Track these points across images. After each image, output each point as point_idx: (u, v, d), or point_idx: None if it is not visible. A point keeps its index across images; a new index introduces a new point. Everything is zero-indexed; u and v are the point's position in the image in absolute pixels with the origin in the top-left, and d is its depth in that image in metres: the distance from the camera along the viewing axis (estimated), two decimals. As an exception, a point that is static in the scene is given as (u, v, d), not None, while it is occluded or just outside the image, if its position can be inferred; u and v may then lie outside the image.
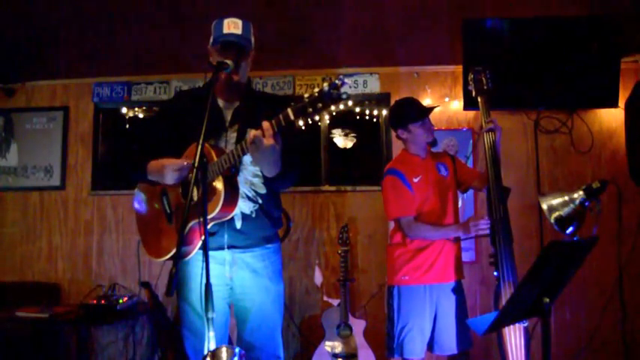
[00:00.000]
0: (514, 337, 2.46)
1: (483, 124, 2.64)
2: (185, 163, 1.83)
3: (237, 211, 1.93)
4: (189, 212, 1.72)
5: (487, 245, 3.64)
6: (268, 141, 1.68)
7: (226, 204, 1.82)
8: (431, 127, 2.69)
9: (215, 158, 1.82)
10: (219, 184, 1.82)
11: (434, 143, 2.74)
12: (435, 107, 2.77)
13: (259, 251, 2.04)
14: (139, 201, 2.12)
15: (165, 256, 1.94)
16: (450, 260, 2.63)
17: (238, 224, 1.98)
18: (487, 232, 2.48)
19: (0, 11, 3.95)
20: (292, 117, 1.62)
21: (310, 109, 1.58)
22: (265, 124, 1.69)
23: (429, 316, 2.59)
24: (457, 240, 2.66)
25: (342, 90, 1.55)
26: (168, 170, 1.85)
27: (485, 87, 2.70)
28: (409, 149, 2.72)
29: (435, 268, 2.60)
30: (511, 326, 2.44)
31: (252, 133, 1.71)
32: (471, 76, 2.74)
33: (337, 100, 1.56)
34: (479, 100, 2.70)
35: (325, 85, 1.56)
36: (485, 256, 3.71)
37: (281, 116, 1.65)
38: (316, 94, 1.57)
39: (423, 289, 2.59)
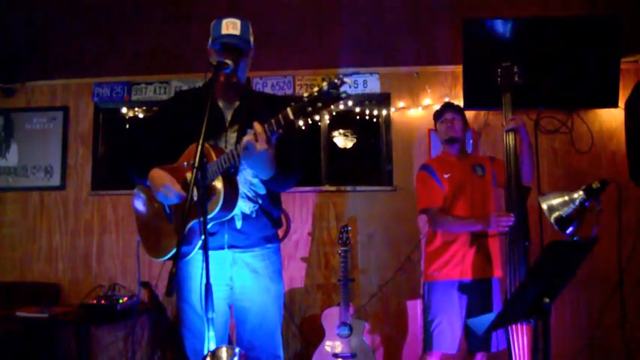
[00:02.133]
0: (520, 336, 2.46)
1: (504, 122, 2.64)
2: (184, 195, 1.81)
3: (237, 211, 1.93)
4: (189, 212, 1.72)
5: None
6: (261, 145, 1.69)
7: (226, 204, 1.82)
8: (451, 124, 2.78)
9: (215, 158, 1.82)
10: (218, 184, 1.82)
11: (450, 141, 2.80)
12: (455, 105, 2.87)
13: (259, 251, 2.05)
14: (138, 201, 2.12)
15: (165, 256, 1.94)
16: (480, 257, 2.65)
17: (239, 224, 1.98)
18: (507, 229, 2.48)
19: (0, 11, 3.95)
20: (292, 116, 1.61)
21: (310, 109, 1.58)
22: (258, 128, 1.69)
23: (458, 311, 2.63)
24: (487, 236, 2.68)
25: (342, 89, 1.55)
26: (166, 191, 1.84)
27: (514, 80, 2.68)
28: (443, 148, 2.90)
29: (462, 264, 2.65)
30: (518, 326, 2.45)
31: (244, 138, 1.72)
32: (499, 72, 2.73)
33: (337, 99, 1.55)
34: (504, 96, 2.68)
35: (324, 85, 1.55)
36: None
37: (280, 116, 1.64)
38: (316, 94, 1.57)
39: (451, 285, 2.65)
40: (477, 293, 2.64)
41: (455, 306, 2.63)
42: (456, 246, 2.66)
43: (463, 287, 2.65)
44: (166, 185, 1.84)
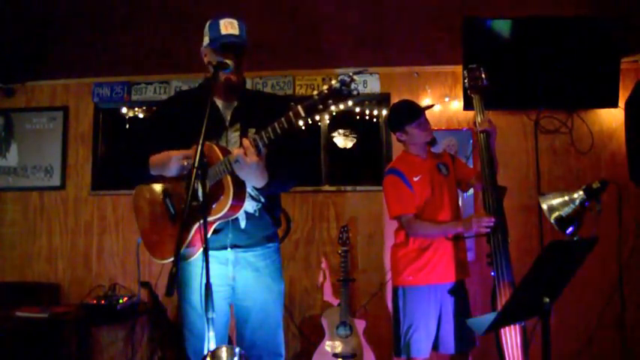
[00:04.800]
0: (511, 336, 2.45)
1: (477, 123, 2.62)
2: (191, 152, 1.81)
3: (241, 211, 1.93)
4: (194, 213, 1.72)
5: (486, 245, 3.66)
6: (251, 159, 1.71)
7: (235, 203, 1.83)
8: (428, 126, 2.68)
9: (221, 157, 1.82)
10: (227, 183, 1.82)
11: (433, 142, 2.74)
12: (430, 106, 2.78)
13: (261, 250, 2.05)
14: (139, 202, 2.11)
15: (171, 258, 1.93)
16: (453, 259, 2.63)
17: (243, 224, 1.99)
18: (489, 230, 2.46)
19: (0, 11, 3.95)
20: (303, 114, 1.61)
21: (321, 106, 1.57)
22: (245, 142, 1.71)
23: (434, 315, 2.59)
24: (460, 239, 2.66)
25: (352, 87, 1.55)
26: (174, 160, 1.85)
27: (480, 84, 2.67)
28: (409, 150, 2.74)
29: (438, 267, 2.60)
30: (508, 326, 2.44)
31: (234, 152, 1.74)
32: (465, 74, 2.72)
33: (348, 96, 1.55)
34: (474, 98, 2.67)
35: (334, 82, 1.54)
36: (484, 256, 3.71)
37: (291, 114, 1.63)
38: (326, 91, 1.56)
39: (428, 289, 2.59)
40: (453, 296, 2.62)
41: (431, 310, 2.58)
42: (431, 250, 2.60)
43: (440, 291, 2.60)
44: (174, 155, 1.86)
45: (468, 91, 2.71)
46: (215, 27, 1.94)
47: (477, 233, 2.52)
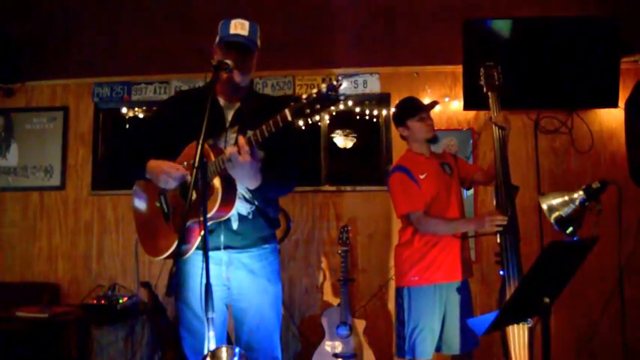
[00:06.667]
0: (518, 336, 2.45)
1: (493, 117, 2.61)
2: (183, 174, 1.83)
3: (233, 212, 1.93)
4: (188, 212, 1.72)
5: (488, 244, 3.67)
6: (244, 158, 1.70)
7: (224, 203, 1.82)
8: (430, 122, 2.69)
9: (213, 158, 1.82)
10: (216, 184, 1.82)
11: (435, 140, 2.73)
12: (434, 103, 2.78)
13: (256, 251, 2.04)
14: (137, 199, 2.12)
15: (162, 255, 1.93)
16: (458, 259, 2.62)
17: (235, 225, 1.98)
18: (501, 229, 2.44)
19: (0, 11, 3.95)
20: (290, 118, 1.61)
21: (308, 110, 1.57)
22: (241, 141, 1.70)
23: (438, 315, 2.58)
24: (464, 238, 2.65)
25: (340, 91, 1.55)
26: (166, 177, 1.85)
27: (496, 83, 2.67)
28: (412, 147, 2.74)
29: (443, 267, 2.59)
30: (515, 325, 2.44)
31: (228, 150, 1.73)
32: (482, 72, 2.70)
33: (335, 101, 1.55)
34: (490, 96, 2.66)
35: (323, 87, 1.55)
36: (486, 256, 3.72)
37: (279, 117, 1.64)
38: (314, 96, 1.56)
39: (433, 289, 2.58)
40: (458, 295, 2.61)
41: (436, 311, 2.57)
42: (437, 248, 2.59)
43: (445, 290, 2.59)
44: (164, 170, 1.85)
45: (484, 89, 2.69)
46: (225, 26, 1.95)
47: (487, 232, 2.50)
